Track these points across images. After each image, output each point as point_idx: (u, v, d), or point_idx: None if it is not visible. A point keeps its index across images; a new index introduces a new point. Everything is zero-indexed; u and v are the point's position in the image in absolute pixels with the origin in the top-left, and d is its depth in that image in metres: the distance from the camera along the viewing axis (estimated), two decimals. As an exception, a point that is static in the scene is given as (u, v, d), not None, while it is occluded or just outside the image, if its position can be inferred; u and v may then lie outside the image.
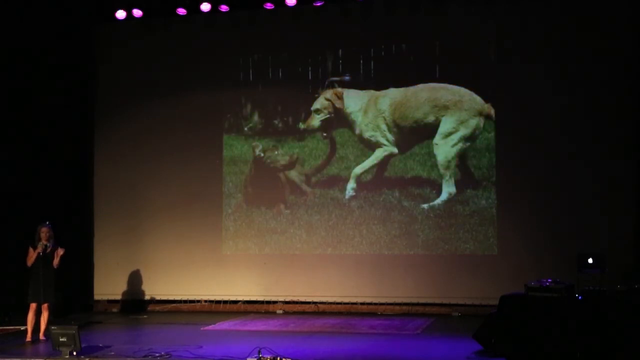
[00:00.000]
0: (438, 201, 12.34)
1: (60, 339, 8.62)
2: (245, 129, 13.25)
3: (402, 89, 12.58)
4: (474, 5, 12.27)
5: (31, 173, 12.47)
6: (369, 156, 12.69)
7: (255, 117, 13.24)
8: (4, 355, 8.93)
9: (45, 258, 10.00)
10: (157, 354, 8.75)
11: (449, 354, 8.87)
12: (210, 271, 13.13)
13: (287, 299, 12.91)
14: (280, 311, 12.79)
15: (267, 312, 12.81)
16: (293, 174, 13.02)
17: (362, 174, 12.71)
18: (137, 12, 13.03)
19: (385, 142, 12.61)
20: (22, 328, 10.53)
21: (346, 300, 12.63)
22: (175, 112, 13.38)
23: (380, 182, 12.63)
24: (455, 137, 12.31)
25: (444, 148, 12.34)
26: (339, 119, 12.85)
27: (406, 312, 12.29)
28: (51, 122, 12.91)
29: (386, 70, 12.66)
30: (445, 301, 12.20)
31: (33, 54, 12.55)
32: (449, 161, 12.32)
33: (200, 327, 11.23)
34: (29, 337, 10.06)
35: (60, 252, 10.05)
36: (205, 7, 12.87)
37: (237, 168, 13.25)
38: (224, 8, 12.95)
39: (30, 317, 10.10)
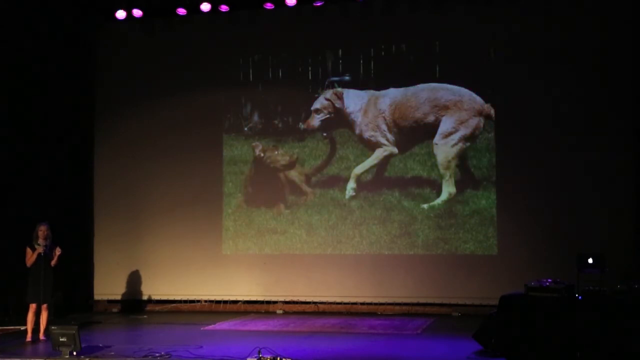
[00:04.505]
0: (438, 201, 12.34)
1: (60, 339, 8.61)
2: (245, 129, 13.26)
3: (402, 89, 12.58)
4: (474, 5, 12.27)
5: (31, 173, 12.46)
6: (369, 156, 12.69)
7: (255, 117, 13.24)
8: (4, 355, 8.93)
9: (45, 258, 10.01)
10: (157, 354, 8.75)
11: (449, 354, 8.87)
12: (210, 271, 13.13)
13: (287, 299, 12.91)
14: (280, 311, 12.79)
15: (267, 312, 12.81)
16: (293, 174, 13.01)
17: (362, 174, 12.71)
18: (137, 12, 13.03)
19: (385, 142, 12.61)
20: (22, 328, 10.53)
21: (346, 300, 12.63)
22: (175, 112, 13.38)
23: (380, 182, 12.63)
24: (455, 137, 12.31)
25: (444, 148, 12.34)
26: (339, 119, 12.85)
27: (406, 312, 12.29)
28: (51, 122, 12.89)
29: (386, 70, 12.66)
30: (445, 301, 12.20)
31: (33, 54, 12.54)
32: (449, 161, 12.32)
33: (200, 327, 11.23)
34: (29, 337, 10.07)
35: (58, 251, 10.07)
36: (205, 7, 12.87)
37: (237, 168, 13.25)
38: (224, 8, 12.96)
39: (30, 317, 10.10)
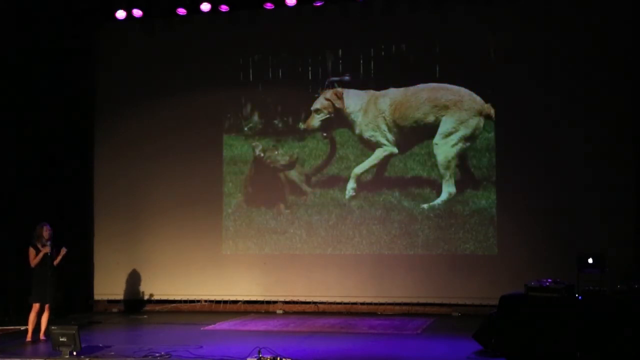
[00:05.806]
0: (438, 201, 12.34)
1: (60, 339, 8.61)
2: (245, 129, 13.26)
3: (402, 89, 12.59)
4: (474, 5, 12.27)
5: (31, 173, 12.46)
6: (369, 156, 12.69)
7: (255, 117, 13.24)
8: (4, 355, 8.93)
9: (50, 258, 10.03)
10: (157, 354, 8.75)
11: (449, 354, 8.87)
12: (210, 271, 13.13)
13: (287, 299, 12.91)
14: (280, 311, 12.79)
15: (267, 312, 12.81)
16: (293, 174, 13.02)
17: (362, 174, 12.71)
18: (137, 12, 13.02)
19: (385, 142, 12.61)
20: (22, 328, 10.53)
21: (346, 300, 12.63)
22: (175, 112, 13.38)
23: (380, 182, 12.63)
24: (455, 137, 12.31)
25: (444, 148, 12.34)
26: (339, 119, 12.85)
27: (406, 312, 12.30)
28: (51, 122, 12.89)
29: (386, 70, 12.66)
30: (445, 301, 12.20)
31: (33, 54, 12.54)
32: (449, 161, 12.32)
33: (200, 327, 11.23)
34: (29, 337, 10.06)
35: (63, 251, 10.13)
36: (205, 7, 12.87)
37: (237, 168, 13.25)
38: (224, 8, 12.96)
39: (32, 317, 10.09)
